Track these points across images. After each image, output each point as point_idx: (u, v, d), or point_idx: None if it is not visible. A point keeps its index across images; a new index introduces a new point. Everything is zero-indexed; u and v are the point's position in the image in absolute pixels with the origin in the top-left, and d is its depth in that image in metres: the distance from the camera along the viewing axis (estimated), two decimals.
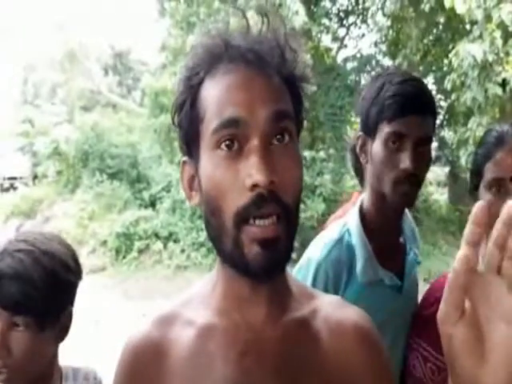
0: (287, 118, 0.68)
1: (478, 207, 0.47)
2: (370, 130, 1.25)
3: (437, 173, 12.66)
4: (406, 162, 1.18)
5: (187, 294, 0.81)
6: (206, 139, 0.68)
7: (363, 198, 1.34)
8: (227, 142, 0.66)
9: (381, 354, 0.78)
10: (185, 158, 0.75)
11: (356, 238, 1.28)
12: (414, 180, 1.20)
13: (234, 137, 0.65)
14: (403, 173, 1.19)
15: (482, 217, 0.47)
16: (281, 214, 0.65)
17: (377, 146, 1.23)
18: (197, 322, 0.75)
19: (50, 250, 1.04)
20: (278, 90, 0.69)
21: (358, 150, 1.30)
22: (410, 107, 1.18)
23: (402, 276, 1.32)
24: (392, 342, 1.23)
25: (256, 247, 0.64)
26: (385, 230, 1.30)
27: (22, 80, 16.69)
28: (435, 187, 12.54)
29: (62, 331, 1.08)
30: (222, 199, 0.66)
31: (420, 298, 1.37)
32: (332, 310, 0.78)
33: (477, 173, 1.21)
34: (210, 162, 0.68)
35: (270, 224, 0.65)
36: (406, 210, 1.39)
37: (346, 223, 1.32)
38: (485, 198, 1.16)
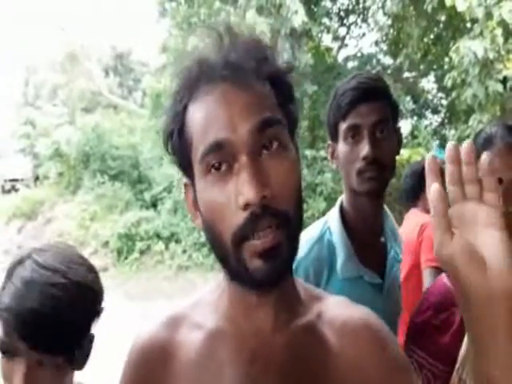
0: (273, 124, 0.66)
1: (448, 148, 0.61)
2: (333, 136, 1.32)
3: None
4: (364, 149, 1.23)
5: (195, 298, 0.81)
6: (197, 166, 0.68)
7: (343, 198, 1.37)
8: (216, 165, 0.65)
9: (393, 348, 0.75)
10: (185, 181, 0.75)
11: (336, 235, 1.31)
12: (376, 166, 1.23)
13: (221, 160, 0.65)
14: (364, 161, 1.23)
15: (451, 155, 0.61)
16: (279, 224, 0.64)
17: (340, 146, 1.29)
18: (205, 326, 0.75)
19: (82, 281, 0.94)
20: (260, 97, 0.67)
21: (329, 157, 1.36)
22: (358, 98, 1.24)
23: (383, 275, 1.33)
24: None
25: (257, 260, 0.64)
26: (364, 228, 1.33)
27: (23, 81, 16.73)
28: None
29: (85, 357, 1.01)
30: (218, 222, 0.66)
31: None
32: (338, 311, 0.76)
33: None
34: (203, 187, 0.68)
35: (269, 234, 0.64)
36: (389, 212, 1.42)
37: (326, 222, 1.35)
38: None
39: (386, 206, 1.43)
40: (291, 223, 0.66)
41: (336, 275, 1.28)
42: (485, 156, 0.61)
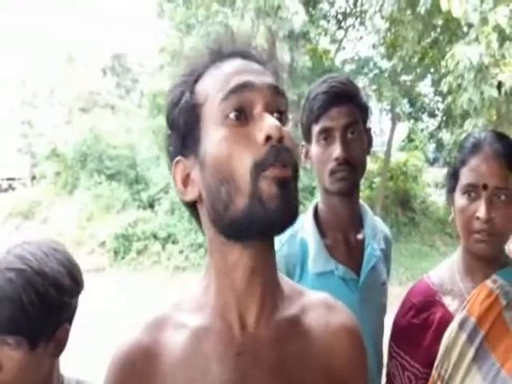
0: (284, 96, 0.73)
1: None
2: (307, 137, 1.38)
3: (434, 174, 12.68)
4: (336, 151, 1.29)
5: (178, 298, 0.81)
6: (211, 115, 0.70)
7: (317, 201, 1.44)
8: (236, 112, 0.69)
9: (363, 352, 0.82)
10: (178, 158, 0.75)
11: (309, 232, 1.37)
12: (348, 166, 1.29)
13: (241, 104, 0.69)
14: (336, 161, 1.29)
15: None
16: (291, 165, 0.68)
17: (313, 148, 1.35)
18: (189, 325, 0.75)
19: (43, 270, 1.01)
20: (274, 76, 0.75)
21: (303, 158, 1.41)
22: (329, 102, 1.30)
23: (360, 271, 1.36)
24: None
25: (274, 187, 0.66)
26: (337, 226, 1.39)
27: (20, 81, 16.69)
28: (433, 188, 12.56)
29: (58, 348, 1.06)
30: (233, 161, 0.67)
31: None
32: (323, 308, 0.81)
33: (453, 176, 1.25)
34: (217, 134, 0.69)
35: (285, 167, 0.67)
36: (368, 209, 1.46)
37: (300, 221, 1.38)
38: (458, 201, 1.21)
39: (365, 204, 1.48)
40: (296, 177, 0.70)
41: (308, 271, 1.33)
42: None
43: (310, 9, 10.24)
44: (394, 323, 1.32)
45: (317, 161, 1.35)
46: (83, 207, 10.74)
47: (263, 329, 0.74)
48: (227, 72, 0.72)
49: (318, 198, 1.44)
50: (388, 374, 1.31)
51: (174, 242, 9.83)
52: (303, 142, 1.41)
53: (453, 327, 1.13)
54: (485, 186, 1.16)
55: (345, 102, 1.31)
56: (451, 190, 1.26)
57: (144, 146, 12.06)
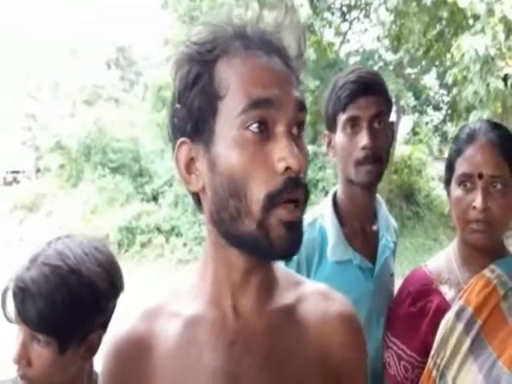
0: (305, 110, 0.69)
1: None
2: (331, 126, 1.38)
3: (439, 168, 12.63)
4: (363, 140, 1.29)
5: (173, 288, 0.81)
6: (230, 118, 0.65)
7: (337, 188, 1.45)
8: (257, 125, 0.64)
9: (360, 339, 0.81)
10: (183, 139, 0.70)
11: (328, 221, 1.37)
12: (374, 157, 1.30)
13: (264, 118, 0.65)
14: (363, 151, 1.29)
15: None
16: (304, 199, 0.67)
17: (338, 137, 1.35)
18: (183, 313, 0.74)
19: (79, 270, 0.96)
20: (297, 81, 0.70)
21: (326, 148, 1.41)
22: (357, 91, 1.30)
23: (374, 261, 1.38)
24: (364, 324, 1.27)
25: (282, 229, 0.64)
26: (355, 216, 1.40)
27: (24, 74, 16.71)
28: (437, 182, 12.51)
29: (89, 351, 1.02)
30: (247, 181, 0.64)
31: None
32: (318, 298, 0.79)
33: (449, 167, 1.24)
34: (233, 142, 0.65)
35: (295, 208, 0.65)
36: (382, 202, 1.49)
37: (319, 208, 1.42)
38: (454, 192, 1.21)
39: (379, 196, 1.48)
40: (305, 205, 0.69)
41: (326, 259, 1.34)
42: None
43: (315, 1, 10.18)
44: (390, 311, 1.32)
45: (342, 149, 1.34)
46: (87, 200, 10.77)
47: (257, 318, 0.73)
48: (252, 73, 0.66)
49: (338, 186, 1.44)
50: (383, 363, 1.29)
51: (177, 235, 9.85)
52: (326, 131, 1.41)
53: (449, 317, 1.13)
54: (480, 175, 1.15)
55: (373, 92, 1.31)
56: (448, 182, 1.25)
57: (148, 139, 12.07)
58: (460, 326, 1.10)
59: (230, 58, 0.67)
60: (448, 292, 1.24)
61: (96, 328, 1.01)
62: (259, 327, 0.73)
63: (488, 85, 5.96)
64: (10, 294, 0.97)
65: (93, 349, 1.02)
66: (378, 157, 1.31)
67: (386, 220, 1.46)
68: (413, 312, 1.24)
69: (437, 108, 13.20)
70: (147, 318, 0.75)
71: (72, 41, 16.06)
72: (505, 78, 6.08)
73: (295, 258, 1.24)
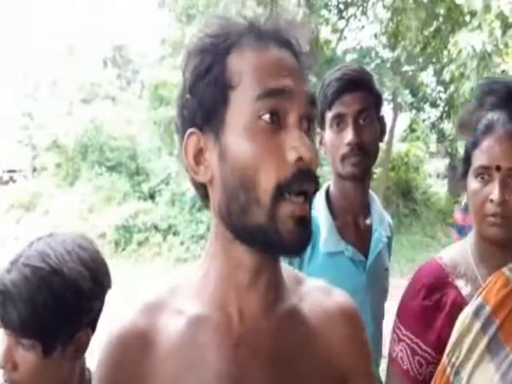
0: (315, 105, 0.70)
1: None
2: (321, 124, 1.41)
3: (436, 165, 12.65)
4: (348, 136, 1.33)
5: (173, 283, 0.79)
6: (242, 108, 0.66)
7: (329, 183, 1.49)
8: (269, 114, 0.65)
9: (362, 333, 0.81)
10: (192, 129, 0.70)
11: (321, 213, 1.41)
12: (360, 152, 1.33)
13: (276, 109, 0.65)
14: (348, 146, 1.33)
15: None
16: (314, 192, 0.67)
17: (327, 134, 1.39)
18: (186, 312, 0.73)
19: (61, 270, 0.92)
20: (308, 77, 0.71)
21: (318, 145, 1.44)
22: (342, 88, 1.34)
23: (367, 254, 1.40)
24: None
25: (292, 224, 0.64)
26: (347, 209, 1.43)
27: (21, 73, 16.66)
28: (434, 179, 12.54)
29: (77, 351, 0.99)
30: (258, 171, 0.64)
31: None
32: (319, 295, 0.79)
33: (466, 160, 1.21)
34: (245, 131, 0.65)
35: (304, 202, 0.65)
36: (376, 198, 1.51)
37: (312, 202, 1.41)
38: (471, 185, 1.17)
39: (373, 193, 1.51)
40: (311, 203, 0.69)
41: (318, 250, 1.36)
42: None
43: None
44: (402, 305, 1.27)
45: (330, 146, 1.38)
46: (84, 199, 10.75)
47: (262, 321, 0.72)
48: (266, 64, 0.66)
49: (331, 181, 1.48)
50: (392, 358, 1.25)
51: (174, 234, 9.84)
52: (318, 129, 1.43)
53: (467, 313, 1.09)
54: (498, 168, 1.12)
55: (358, 88, 1.34)
56: (464, 175, 1.21)
57: (145, 137, 12.05)
58: (477, 325, 1.06)
59: (242, 49, 0.68)
60: (464, 287, 1.20)
61: (83, 327, 0.98)
62: (264, 330, 0.72)
63: None
64: None
65: (81, 349, 1.00)
66: (364, 151, 1.33)
67: (380, 215, 1.47)
68: (428, 306, 1.20)
69: (434, 105, 13.19)
70: (149, 312, 0.74)
71: (69, 39, 16.01)
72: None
73: None
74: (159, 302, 0.75)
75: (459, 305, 1.15)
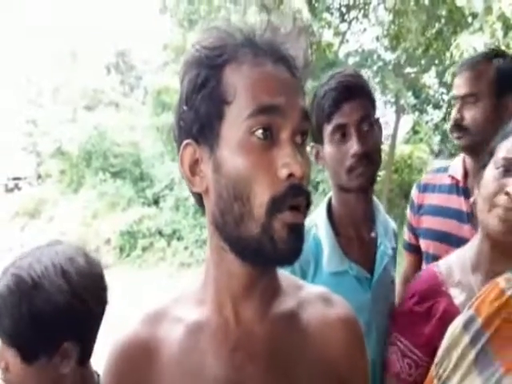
0: (309, 120, 0.70)
1: None
2: (317, 137, 1.33)
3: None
4: (353, 146, 1.24)
5: (175, 294, 0.80)
6: (236, 123, 0.66)
7: (330, 196, 1.41)
8: (262, 130, 0.66)
9: (361, 340, 0.81)
10: (188, 141, 0.71)
11: (322, 230, 1.33)
12: (366, 161, 1.25)
13: (269, 125, 0.66)
14: (354, 157, 1.25)
15: None
16: (306, 206, 0.68)
17: (327, 147, 1.30)
18: (186, 319, 0.74)
19: (41, 284, 0.94)
20: (303, 91, 0.71)
21: (313, 159, 1.36)
22: (340, 98, 1.25)
23: (372, 270, 1.33)
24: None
25: (286, 231, 0.65)
26: (351, 224, 1.35)
27: (24, 79, 16.74)
28: None
29: (65, 360, 0.99)
30: (251, 186, 0.65)
31: None
32: (319, 302, 0.79)
33: (490, 152, 1.16)
34: (239, 147, 0.66)
35: (300, 212, 0.67)
36: (379, 205, 1.43)
37: (313, 218, 1.36)
38: (489, 174, 1.13)
39: (376, 200, 1.44)
40: (307, 211, 0.69)
41: (322, 269, 1.29)
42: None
43: (313, 1, 10.17)
44: (396, 309, 1.28)
45: (331, 160, 1.30)
46: (88, 205, 10.78)
47: (259, 325, 0.73)
48: (260, 80, 0.67)
49: (332, 195, 1.40)
50: (386, 361, 1.25)
51: (179, 239, 9.86)
52: (312, 143, 1.36)
53: (457, 325, 1.06)
54: None
55: (356, 95, 1.26)
56: (483, 167, 1.17)
57: (148, 143, 12.08)
58: (466, 338, 1.03)
59: (238, 63, 0.68)
60: (458, 296, 1.18)
61: (68, 339, 0.98)
62: (261, 334, 0.72)
63: None
64: None
65: (67, 358, 0.99)
66: (370, 159, 1.26)
67: (385, 225, 1.41)
68: (419, 312, 1.20)
69: (437, 106, 13.18)
70: (150, 322, 0.75)
71: (71, 45, 16.09)
72: None
73: (289, 269, 1.19)
74: (160, 312, 0.77)
75: (451, 314, 1.13)
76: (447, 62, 9.39)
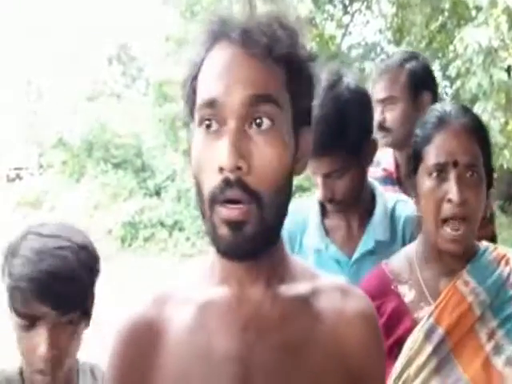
0: (267, 102, 0.66)
1: None
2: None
3: None
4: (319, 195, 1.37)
5: (183, 276, 0.82)
6: (196, 114, 0.70)
7: None
8: (206, 122, 0.67)
9: (379, 337, 0.80)
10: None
11: (312, 210, 1.44)
12: (337, 204, 1.36)
13: (211, 117, 0.67)
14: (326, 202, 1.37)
15: None
16: (251, 200, 0.65)
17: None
18: (195, 299, 0.75)
19: (84, 244, 1.06)
20: (264, 73, 0.67)
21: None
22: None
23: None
24: None
25: (224, 228, 0.66)
26: (339, 212, 1.42)
27: (26, 75, 16.69)
28: None
29: (91, 315, 1.09)
30: (201, 179, 0.68)
31: None
32: (336, 293, 0.78)
33: (416, 156, 1.13)
34: (196, 139, 0.70)
35: (236, 207, 0.65)
36: (382, 192, 1.46)
37: (305, 201, 1.52)
38: (424, 183, 1.09)
39: (378, 186, 1.47)
40: (264, 206, 0.66)
41: (304, 246, 1.43)
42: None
43: None
44: None
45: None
46: (90, 196, 10.77)
47: (270, 306, 0.73)
48: (210, 73, 0.69)
49: None
50: None
51: (180, 230, 9.86)
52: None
53: (417, 336, 1.03)
54: (455, 164, 1.04)
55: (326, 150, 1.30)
56: (413, 173, 1.14)
57: (150, 134, 12.05)
58: (429, 348, 1.01)
59: (209, 56, 0.71)
60: (407, 293, 1.15)
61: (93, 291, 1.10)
62: (272, 315, 0.73)
63: (491, 76, 5.92)
64: None
65: (91, 313, 1.10)
66: (341, 204, 1.37)
67: (382, 216, 1.40)
68: None
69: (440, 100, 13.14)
70: (158, 304, 0.76)
71: (73, 37, 16.01)
72: (508, 70, 6.06)
73: (285, 234, 1.24)
74: (167, 294, 0.78)
75: (400, 312, 1.11)
76: (451, 56, 9.35)
